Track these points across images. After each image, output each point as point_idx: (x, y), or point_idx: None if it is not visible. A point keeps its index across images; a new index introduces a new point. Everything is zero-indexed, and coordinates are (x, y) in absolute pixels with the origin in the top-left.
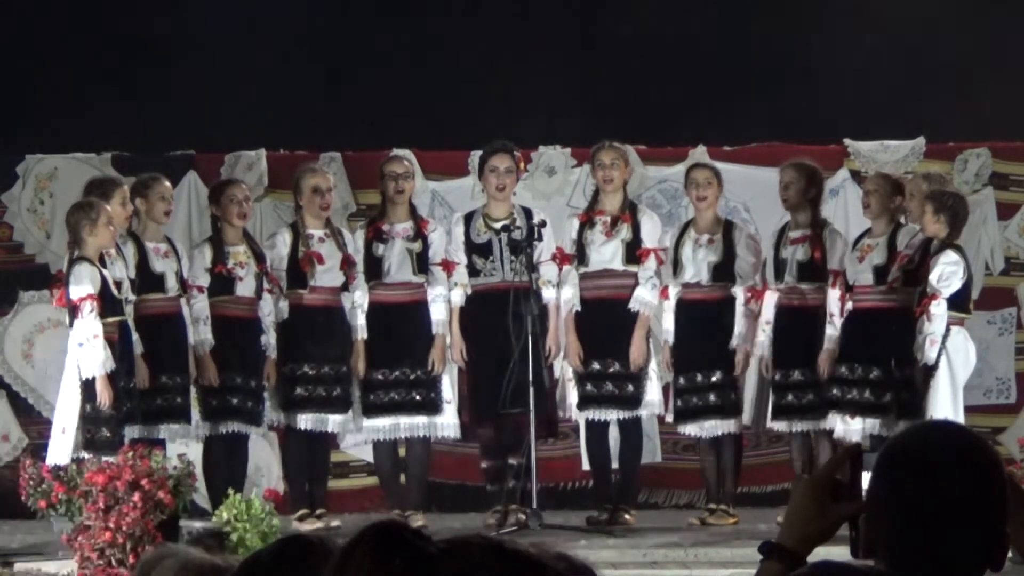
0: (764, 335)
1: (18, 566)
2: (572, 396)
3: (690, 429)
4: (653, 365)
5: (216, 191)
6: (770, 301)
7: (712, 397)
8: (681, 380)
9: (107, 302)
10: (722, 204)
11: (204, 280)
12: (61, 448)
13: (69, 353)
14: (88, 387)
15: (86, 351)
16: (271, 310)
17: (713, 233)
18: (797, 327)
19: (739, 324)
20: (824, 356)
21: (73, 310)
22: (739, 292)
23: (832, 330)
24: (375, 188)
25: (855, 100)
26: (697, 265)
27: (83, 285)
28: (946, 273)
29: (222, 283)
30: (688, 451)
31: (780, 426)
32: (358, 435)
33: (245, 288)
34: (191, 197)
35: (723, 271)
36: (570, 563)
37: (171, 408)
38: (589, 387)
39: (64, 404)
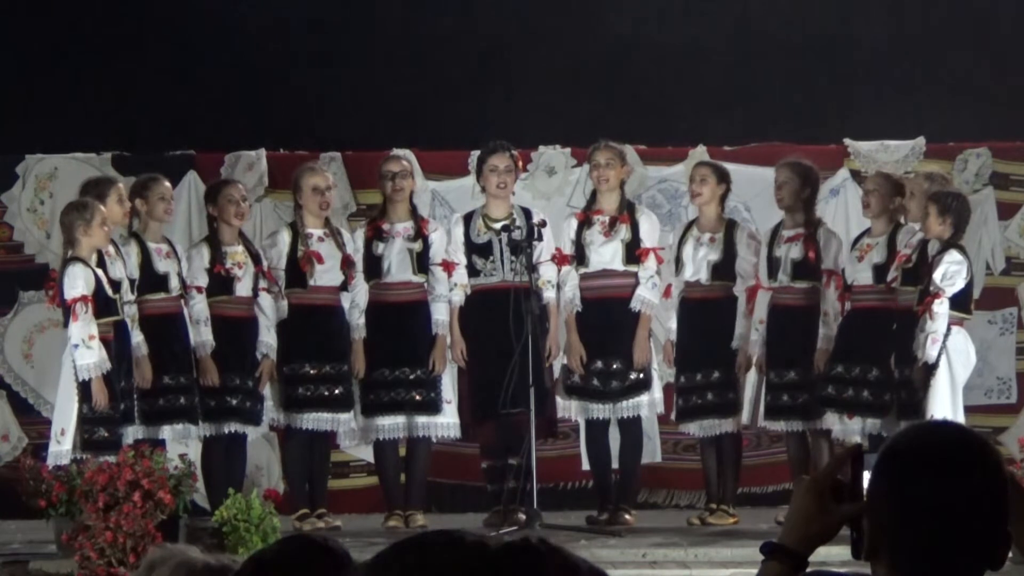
0: (757, 334)
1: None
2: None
3: (691, 428)
4: (655, 364)
5: (213, 191)
6: (763, 300)
7: (710, 396)
8: (682, 379)
9: (101, 302)
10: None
11: (202, 280)
12: (60, 449)
13: (65, 354)
14: (85, 388)
15: (81, 353)
16: (270, 309)
17: (715, 232)
18: (791, 327)
19: (739, 324)
20: (819, 356)
21: (67, 311)
22: (740, 292)
23: (826, 330)
24: (375, 188)
25: (855, 100)
26: (697, 263)
27: (76, 286)
28: (950, 272)
29: (220, 283)
30: (688, 451)
31: (775, 426)
32: (358, 435)
33: (244, 288)
34: (191, 197)
35: (723, 270)
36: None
37: (173, 409)
38: (592, 386)
39: (62, 405)
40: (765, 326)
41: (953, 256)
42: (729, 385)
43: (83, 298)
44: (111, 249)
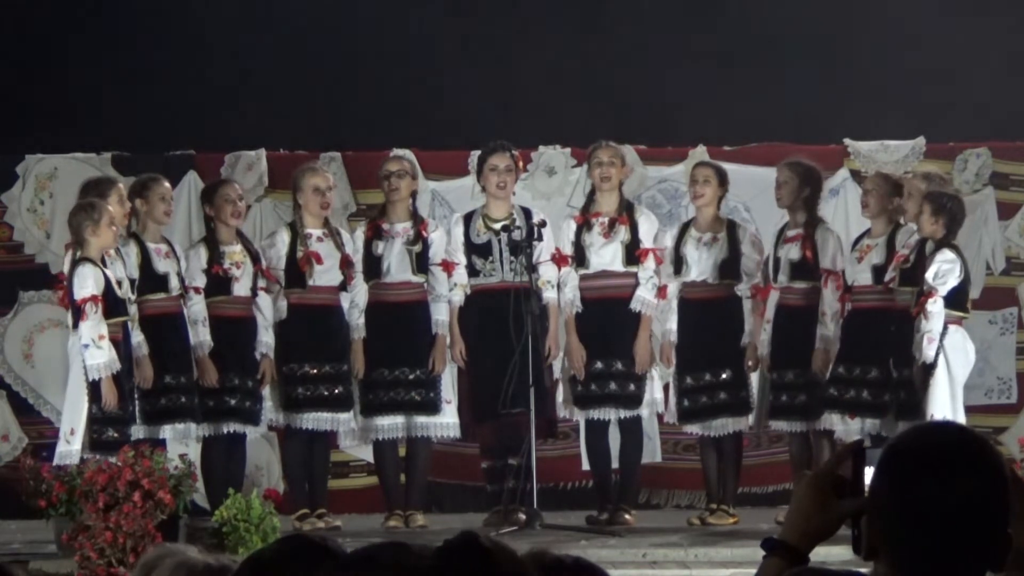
0: (766, 333)
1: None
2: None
3: (696, 428)
4: (655, 365)
5: (210, 191)
6: (772, 299)
7: (723, 395)
8: (688, 380)
9: (111, 302)
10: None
11: (200, 281)
12: (70, 449)
13: (74, 355)
14: (95, 388)
15: (92, 352)
16: (268, 309)
17: (716, 232)
18: (791, 327)
19: (748, 321)
20: (817, 356)
21: (77, 312)
22: (746, 290)
23: (824, 330)
24: (375, 188)
25: (855, 100)
26: (703, 264)
27: (86, 286)
28: (942, 271)
29: (218, 283)
30: (688, 451)
31: (777, 425)
32: (358, 435)
33: (242, 288)
34: (191, 197)
35: (728, 269)
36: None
37: (174, 408)
38: (592, 387)
39: (72, 405)
40: (772, 325)
41: (945, 255)
42: (741, 384)
43: (93, 298)
44: (111, 250)
